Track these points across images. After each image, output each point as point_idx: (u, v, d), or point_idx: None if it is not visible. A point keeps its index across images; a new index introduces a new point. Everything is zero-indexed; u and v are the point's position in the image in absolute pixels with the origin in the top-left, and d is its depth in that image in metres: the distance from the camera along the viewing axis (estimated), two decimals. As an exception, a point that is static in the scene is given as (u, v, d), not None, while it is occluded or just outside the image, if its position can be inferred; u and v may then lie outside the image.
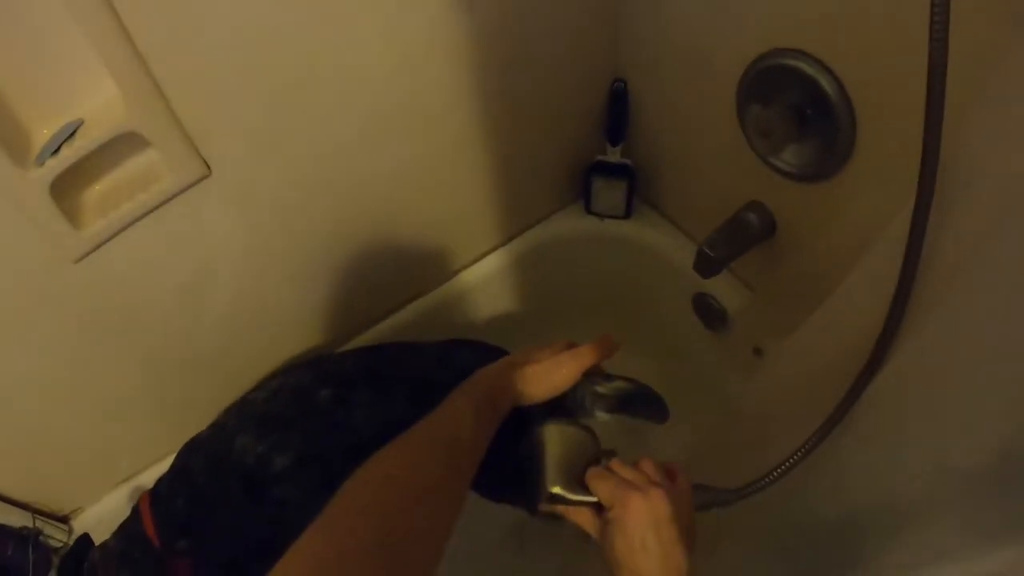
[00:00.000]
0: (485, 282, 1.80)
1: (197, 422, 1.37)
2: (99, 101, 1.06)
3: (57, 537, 1.60)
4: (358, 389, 1.30)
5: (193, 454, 1.33)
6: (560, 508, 0.89)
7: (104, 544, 1.30)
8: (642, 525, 0.79)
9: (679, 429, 1.84)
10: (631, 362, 1.96)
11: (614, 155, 1.68)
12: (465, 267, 1.79)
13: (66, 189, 1.10)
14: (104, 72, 1.02)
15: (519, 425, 1.05)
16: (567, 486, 0.87)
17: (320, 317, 1.61)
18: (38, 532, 1.55)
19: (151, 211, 1.19)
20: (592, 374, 1.06)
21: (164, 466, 1.36)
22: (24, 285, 1.18)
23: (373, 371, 1.36)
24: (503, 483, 1.22)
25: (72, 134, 1.06)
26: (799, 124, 1.17)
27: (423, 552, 0.73)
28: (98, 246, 1.18)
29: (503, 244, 1.81)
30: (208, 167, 1.18)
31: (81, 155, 1.06)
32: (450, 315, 1.80)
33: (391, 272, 1.64)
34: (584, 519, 0.88)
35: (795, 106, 1.17)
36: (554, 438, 0.92)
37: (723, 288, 1.61)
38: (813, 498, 1.00)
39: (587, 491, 0.86)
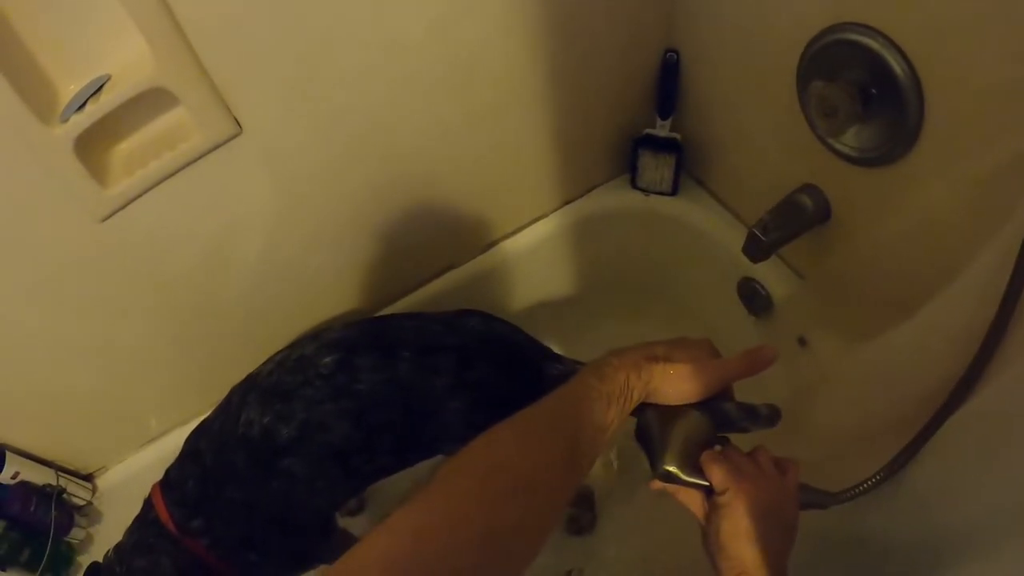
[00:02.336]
0: (523, 255, 1.76)
1: (225, 384, 1.34)
2: (127, 56, 1.03)
3: (80, 495, 1.61)
4: (362, 354, 1.28)
5: (201, 437, 1.32)
6: (671, 488, 0.88)
7: (118, 544, 1.30)
8: (751, 513, 0.79)
9: None
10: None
11: (663, 129, 1.62)
12: (503, 238, 1.75)
13: (92, 147, 1.07)
14: (132, 27, 0.98)
15: None
16: (682, 466, 0.85)
17: (351, 283, 1.58)
18: (61, 490, 1.55)
19: (179, 170, 1.16)
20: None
21: (191, 428, 1.36)
22: (49, 244, 1.17)
23: (378, 336, 1.33)
24: None
25: (98, 90, 1.03)
26: (863, 104, 1.10)
27: (526, 544, 0.69)
28: (124, 205, 1.16)
29: (543, 216, 1.76)
30: (239, 125, 1.15)
31: (107, 111, 1.03)
32: (486, 287, 1.76)
33: (425, 240, 1.60)
34: (692, 501, 0.87)
35: (859, 85, 1.10)
36: (673, 418, 0.88)
37: (770, 273, 1.55)
38: (889, 514, 0.98)
39: (700, 474, 0.85)
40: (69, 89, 1.03)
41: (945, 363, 0.86)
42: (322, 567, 1.47)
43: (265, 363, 1.34)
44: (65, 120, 1.02)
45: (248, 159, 1.21)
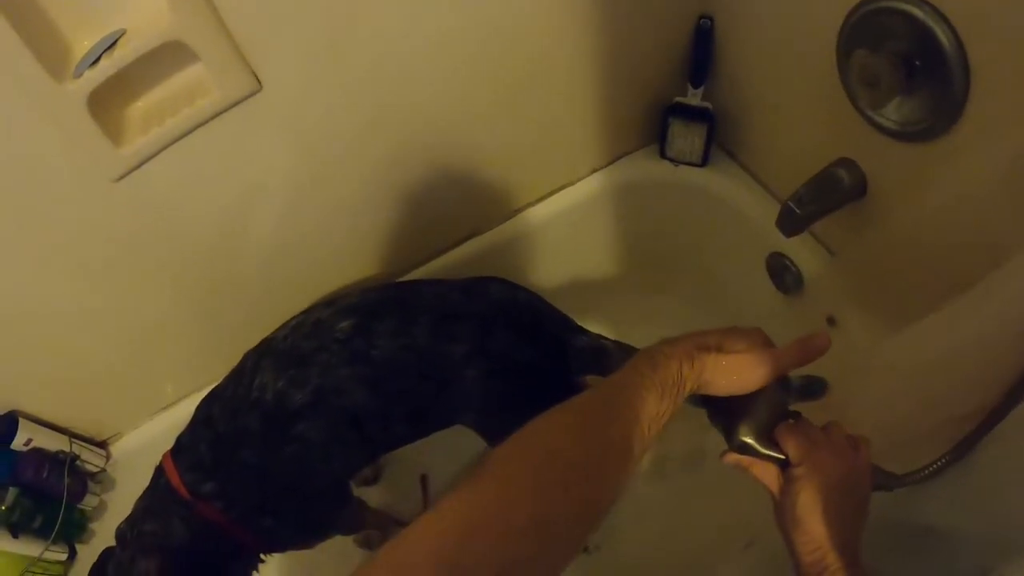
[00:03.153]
0: (548, 223, 1.73)
1: (242, 350, 1.33)
2: (143, 10, 1.01)
3: (94, 462, 1.61)
4: (380, 319, 1.26)
5: (213, 403, 1.30)
6: (745, 459, 0.87)
7: (129, 514, 1.29)
8: (829, 486, 0.80)
9: None
10: (695, 320, 1.90)
11: (694, 98, 1.59)
12: (528, 206, 1.72)
13: (106, 104, 1.06)
14: (148, -22, 0.96)
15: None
16: (758, 438, 0.85)
17: (371, 248, 1.56)
18: (75, 456, 1.55)
19: (196, 127, 1.14)
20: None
21: (204, 394, 1.34)
22: (62, 205, 1.16)
23: (396, 302, 1.31)
24: None
25: (113, 44, 1.01)
26: (906, 76, 1.06)
27: (577, 532, 0.68)
28: (139, 164, 1.14)
29: (570, 184, 1.73)
30: (259, 81, 1.13)
31: (121, 66, 1.01)
32: (509, 255, 1.74)
33: (448, 206, 1.58)
34: (766, 474, 0.86)
35: (903, 56, 1.06)
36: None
37: (801, 249, 1.51)
38: (955, 501, 0.97)
39: (775, 446, 0.85)
40: (83, 44, 1.01)
41: (1010, 349, 0.84)
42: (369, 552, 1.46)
43: (280, 328, 1.32)
44: (78, 76, 0.99)
45: (268, 118, 1.19)
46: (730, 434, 0.86)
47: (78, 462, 1.58)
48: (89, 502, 1.61)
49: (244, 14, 1.05)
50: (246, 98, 1.13)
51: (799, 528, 0.80)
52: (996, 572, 0.79)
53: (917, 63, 1.05)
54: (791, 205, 1.29)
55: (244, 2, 1.04)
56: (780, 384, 0.87)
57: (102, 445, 1.68)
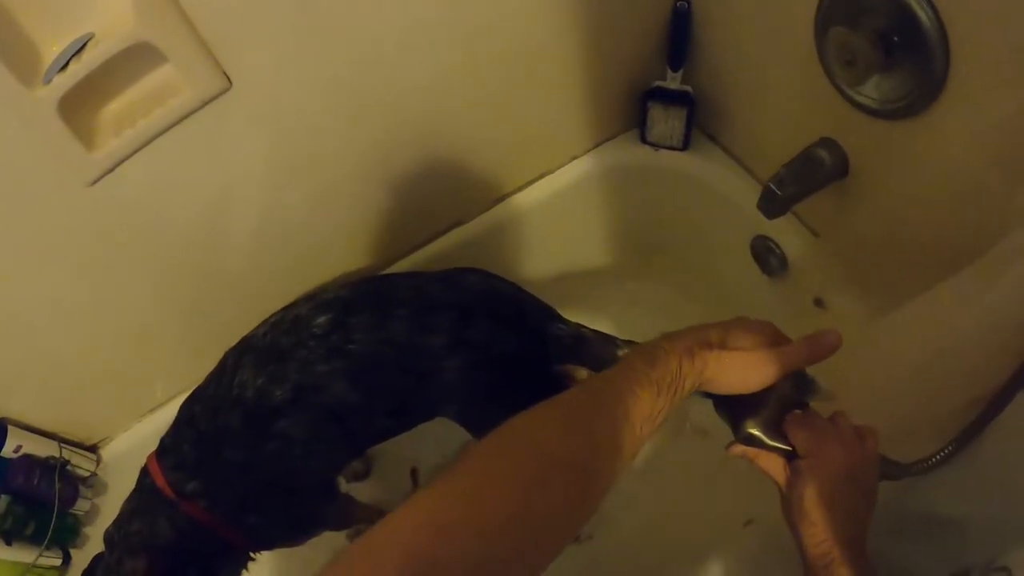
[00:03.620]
0: (530, 211, 1.72)
1: (229, 347, 1.33)
2: (110, 13, 1.00)
3: (84, 467, 1.61)
4: (356, 313, 1.26)
5: (195, 403, 1.30)
6: (751, 451, 0.87)
7: (116, 516, 1.28)
8: (836, 477, 0.79)
9: None
10: (680, 306, 1.90)
11: (674, 81, 1.58)
12: (510, 194, 1.71)
13: (78, 108, 1.06)
14: (114, -20, 0.96)
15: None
16: (765, 430, 0.85)
17: (355, 241, 1.56)
18: (65, 462, 1.55)
19: (169, 128, 1.14)
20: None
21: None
22: (38, 210, 1.15)
23: (373, 296, 1.31)
24: None
25: (81, 48, 1.01)
26: (885, 53, 1.06)
27: (559, 531, 0.65)
28: (113, 167, 1.14)
29: (551, 172, 1.72)
30: (228, 79, 1.12)
31: (90, 69, 1.01)
32: (493, 244, 1.73)
33: (430, 196, 1.57)
34: (773, 465, 0.86)
35: (881, 32, 1.05)
36: None
37: (785, 231, 1.51)
38: (962, 488, 0.97)
39: (782, 438, 0.84)
40: (52, 50, 1.01)
41: (1015, 334, 0.85)
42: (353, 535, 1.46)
43: (260, 325, 1.32)
44: (48, 81, 0.99)
45: (241, 115, 1.18)
46: (736, 426, 0.86)
47: (69, 467, 1.58)
48: (81, 506, 1.61)
49: (211, 13, 1.04)
50: (217, 96, 1.13)
51: (806, 520, 0.79)
52: (1004, 558, 0.80)
53: (895, 39, 1.04)
54: (772, 187, 1.28)
55: (211, 1, 1.03)
56: (794, 379, 0.86)
57: (92, 449, 1.67)
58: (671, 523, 1.70)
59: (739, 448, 0.86)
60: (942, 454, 0.90)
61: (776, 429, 0.84)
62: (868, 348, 1.15)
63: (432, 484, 0.62)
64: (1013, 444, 0.88)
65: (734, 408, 0.86)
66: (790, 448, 0.83)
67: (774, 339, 0.84)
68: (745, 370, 0.81)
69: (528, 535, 0.62)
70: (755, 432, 0.84)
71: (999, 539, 0.85)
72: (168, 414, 1.51)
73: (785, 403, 0.86)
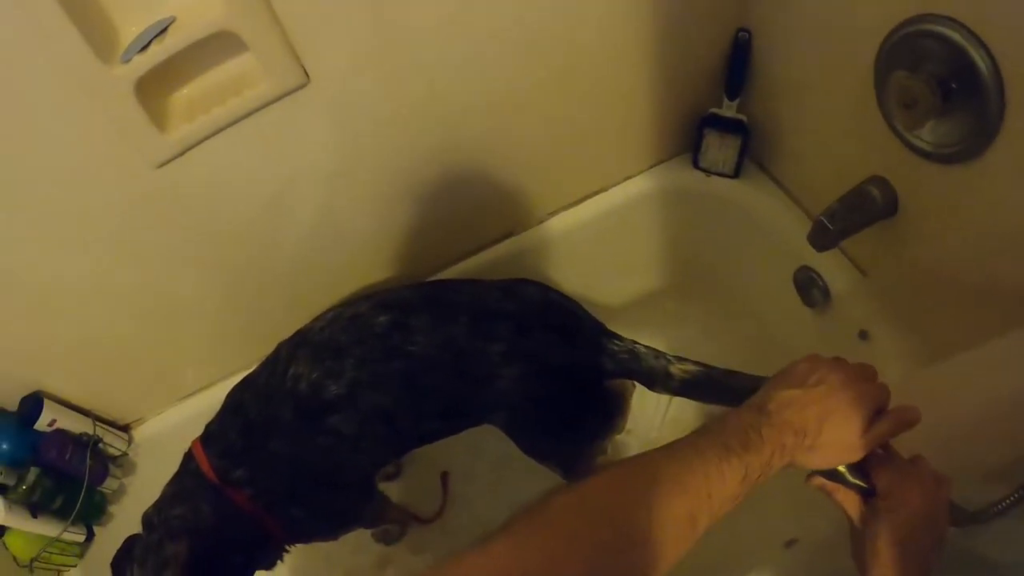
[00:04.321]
0: (579, 229, 1.74)
1: (266, 342, 1.34)
2: None
3: (116, 446, 1.62)
4: (417, 314, 1.27)
5: (245, 390, 1.31)
6: (829, 485, 0.85)
7: (156, 500, 1.29)
8: (912, 521, 0.79)
9: None
10: (721, 329, 1.90)
11: (730, 109, 1.59)
12: (562, 209, 1.73)
13: (153, 90, 1.07)
14: (200, -32, 0.97)
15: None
16: (849, 466, 0.83)
17: (405, 245, 1.57)
18: (98, 439, 1.57)
19: (242, 118, 1.15)
20: None
21: (229, 384, 1.35)
22: (102, 187, 1.17)
23: (435, 299, 1.32)
24: (551, 440, 1.15)
25: (163, 31, 1.02)
26: (943, 98, 1.07)
27: None
28: (183, 152, 1.15)
29: (602, 190, 1.74)
30: (307, 74, 1.14)
31: (171, 53, 1.02)
32: (537, 260, 1.74)
33: (483, 206, 1.59)
34: (849, 501, 0.84)
35: (940, 78, 1.06)
36: None
37: (829, 264, 1.51)
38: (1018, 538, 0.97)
39: (864, 475, 0.83)
40: (130, 30, 1.02)
41: None
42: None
43: (316, 319, 1.33)
44: (127, 61, 1.00)
45: (313, 111, 1.20)
46: None
47: (101, 445, 1.59)
48: (110, 485, 1.62)
49: (296, 8, 1.06)
50: (294, 91, 1.14)
51: (877, 560, 0.78)
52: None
53: (953, 86, 1.05)
54: (824, 220, 1.29)
55: (297, -3, 1.04)
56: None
57: (125, 429, 1.69)
58: (708, 540, 1.65)
59: (819, 480, 0.85)
60: (1006, 503, 0.89)
61: (859, 466, 0.83)
62: (928, 391, 1.15)
63: (505, 531, 0.62)
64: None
65: None
66: (870, 486, 0.82)
67: (872, 409, 0.80)
68: (832, 459, 0.81)
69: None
70: (841, 469, 0.83)
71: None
72: (201, 402, 1.54)
73: None
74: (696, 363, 1.25)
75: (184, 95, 1.13)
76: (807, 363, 0.83)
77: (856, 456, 0.80)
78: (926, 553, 0.79)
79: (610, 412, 1.35)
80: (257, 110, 1.15)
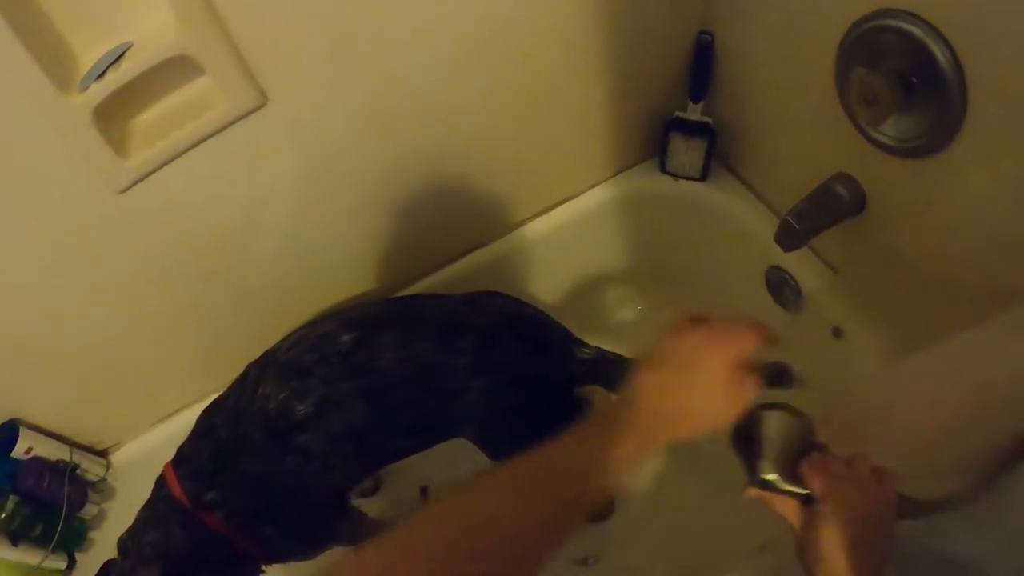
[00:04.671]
0: (548, 237, 1.73)
1: (242, 362, 1.34)
2: (150, 23, 1.01)
3: (94, 471, 1.61)
4: (382, 332, 1.27)
5: (215, 413, 1.31)
6: (767, 496, 0.85)
7: (131, 525, 1.29)
8: (854, 522, 0.77)
9: None
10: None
11: (694, 112, 1.59)
12: (529, 219, 1.73)
13: (112, 116, 1.06)
14: (156, -10, 0.96)
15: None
16: (781, 474, 0.83)
17: (375, 260, 1.57)
18: (76, 466, 1.55)
19: (202, 141, 1.14)
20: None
21: (205, 407, 1.34)
22: (66, 215, 1.16)
23: (399, 315, 1.33)
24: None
25: (119, 57, 1.01)
26: (904, 93, 1.07)
27: None
28: (144, 177, 1.14)
29: (571, 198, 1.73)
30: (265, 95, 1.13)
31: (127, 79, 1.01)
32: (511, 268, 1.74)
33: (450, 218, 1.58)
34: (790, 511, 0.84)
35: (900, 73, 1.07)
36: (771, 424, 0.86)
37: (799, 263, 1.52)
38: (981, 532, 0.96)
39: (798, 482, 0.82)
40: (89, 57, 1.01)
41: None
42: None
43: (283, 340, 1.33)
44: (84, 89, 1.00)
45: (273, 130, 1.19)
46: (751, 469, 0.85)
47: (78, 471, 1.58)
48: (89, 511, 1.61)
49: (252, 29, 1.05)
50: (252, 111, 1.14)
51: (822, 565, 0.78)
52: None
53: (914, 80, 1.05)
54: (790, 220, 1.29)
55: (251, 16, 1.04)
56: (771, 375, 0.86)
57: (102, 454, 1.68)
58: (681, 544, 1.69)
59: (753, 491, 0.85)
60: (963, 496, 0.89)
61: (792, 472, 0.82)
62: (895, 384, 1.15)
63: (381, 540, 0.65)
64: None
65: (749, 447, 0.85)
66: (807, 492, 0.81)
67: (733, 368, 0.79)
68: (705, 427, 0.80)
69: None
70: (770, 477, 0.83)
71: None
72: (179, 424, 1.53)
73: (799, 445, 0.85)
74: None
75: (144, 120, 1.12)
76: (668, 340, 0.84)
77: (727, 420, 0.81)
78: (872, 551, 0.78)
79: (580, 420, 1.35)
80: (216, 132, 1.14)
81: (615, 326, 1.88)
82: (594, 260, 1.87)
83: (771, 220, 1.50)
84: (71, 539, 1.59)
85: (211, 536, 1.25)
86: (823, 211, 1.30)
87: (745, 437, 0.86)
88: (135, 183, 1.14)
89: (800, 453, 0.84)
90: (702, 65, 1.51)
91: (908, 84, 1.06)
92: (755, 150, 1.59)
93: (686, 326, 0.85)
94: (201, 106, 1.11)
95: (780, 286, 1.58)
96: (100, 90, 1.00)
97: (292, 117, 1.19)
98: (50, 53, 0.97)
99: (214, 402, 1.32)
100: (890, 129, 1.14)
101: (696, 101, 1.57)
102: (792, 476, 0.82)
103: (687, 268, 1.88)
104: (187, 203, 1.24)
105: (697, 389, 0.79)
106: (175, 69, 1.05)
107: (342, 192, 1.38)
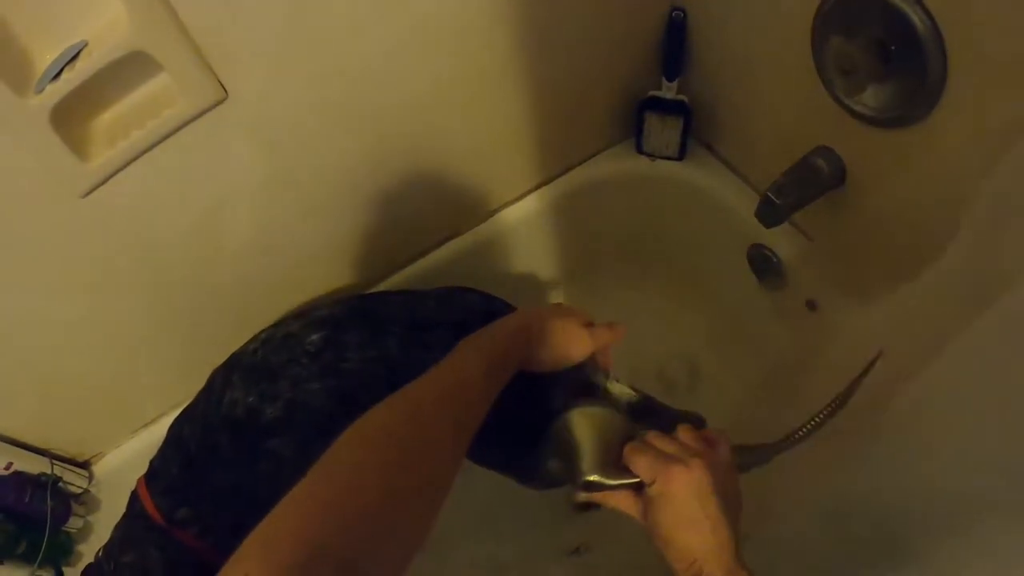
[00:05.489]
0: (525, 223, 1.71)
1: (219, 361, 1.31)
2: (105, 21, 0.99)
3: (77, 483, 1.58)
4: (350, 331, 1.25)
5: (184, 422, 1.27)
6: (598, 496, 0.85)
7: (107, 541, 1.25)
8: (687, 497, 0.78)
9: (728, 386, 1.77)
10: (678, 314, 1.89)
11: (669, 91, 1.57)
12: (504, 206, 1.70)
13: (71, 118, 1.04)
14: (108, -13, 0.94)
15: (524, 392, 1.00)
16: (603, 471, 0.83)
17: (346, 255, 1.54)
18: (57, 478, 1.52)
19: (163, 139, 1.12)
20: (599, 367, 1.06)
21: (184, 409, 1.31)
22: (30, 222, 1.13)
23: (366, 313, 1.30)
24: (500, 450, 1.18)
25: (75, 57, 0.99)
26: (882, 62, 1.06)
27: (424, 508, 0.72)
28: (106, 179, 1.12)
29: (546, 183, 1.71)
30: (224, 90, 1.11)
31: (83, 79, 0.99)
32: (486, 258, 1.72)
33: (423, 209, 1.56)
34: (625, 503, 0.85)
35: (878, 41, 1.05)
36: (582, 423, 0.88)
37: (782, 239, 1.50)
38: (852, 493, 0.99)
39: (624, 473, 0.83)
40: (44, 58, 0.99)
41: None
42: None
43: (249, 342, 1.30)
44: (40, 91, 0.97)
45: (235, 126, 1.17)
46: (573, 475, 0.85)
47: (60, 484, 1.55)
48: (74, 524, 1.58)
49: (207, 22, 1.03)
50: (212, 107, 1.11)
51: (670, 547, 0.78)
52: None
53: (893, 49, 1.04)
54: (770, 195, 1.27)
55: (206, 9, 1.01)
56: (598, 406, 0.90)
57: (84, 465, 1.65)
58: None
59: (584, 496, 0.86)
60: (807, 428, 0.89)
61: (616, 465, 0.83)
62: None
63: (311, 474, 0.72)
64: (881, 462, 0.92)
65: (566, 460, 0.86)
66: (636, 479, 0.81)
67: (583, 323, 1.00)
68: (565, 346, 0.97)
69: (398, 511, 0.69)
70: (594, 479, 0.83)
71: (900, 517, 0.89)
72: (160, 430, 1.50)
73: (619, 436, 0.86)
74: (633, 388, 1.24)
75: (104, 120, 1.10)
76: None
77: (588, 346, 0.98)
78: (716, 518, 0.77)
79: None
80: (178, 130, 1.12)
81: (596, 309, 1.85)
82: (573, 243, 1.85)
83: (751, 196, 1.49)
84: (57, 553, 1.56)
85: (187, 555, 1.21)
86: (804, 186, 1.28)
87: (560, 445, 0.87)
88: (98, 185, 1.12)
89: (620, 445, 0.84)
90: (675, 42, 1.49)
91: (886, 52, 1.05)
92: (733, 126, 1.58)
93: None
94: (161, 104, 1.09)
95: (763, 263, 1.56)
96: (56, 91, 0.98)
97: (253, 112, 1.17)
98: (4, 56, 0.94)
99: (184, 410, 1.30)
100: (869, 99, 1.13)
101: (671, 79, 1.55)
102: (617, 469, 0.83)
103: (668, 248, 1.86)
104: (153, 204, 1.22)
105: (555, 320, 0.99)
106: (133, 67, 1.03)
107: (308, 188, 1.35)
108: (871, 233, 1.29)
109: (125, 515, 1.26)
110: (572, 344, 0.97)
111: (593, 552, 1.71)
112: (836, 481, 1.01)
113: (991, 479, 0.77)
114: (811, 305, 1.47)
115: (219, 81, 1.09)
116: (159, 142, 1.11)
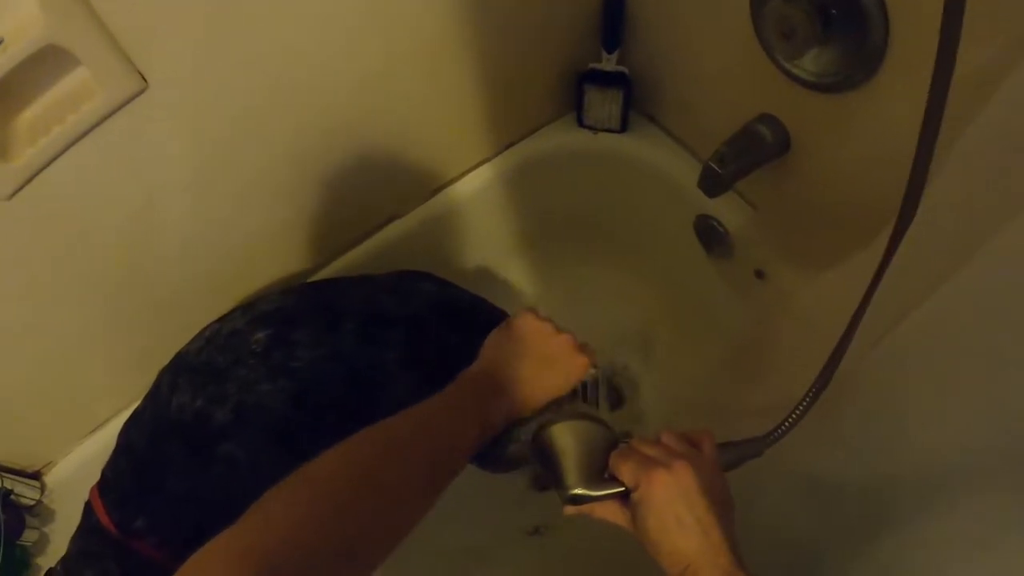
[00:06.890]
0: (469, 200, 1.69)
1: (167, 358, 1.28)
2: (17, 15, 0.95)
3: (28, 495, 1.54)
4: (299, 327, 1.21)
5: (133, 428, 1.23)
6: (586, 508, 0.84)
7: (64, 555, 1.21)
8: (672, 500, 0.77)
9: (682, 359, 1.77)
10: (630, 288, 1.88)
11: (609, 63, 1.55)
12: (447, 184, 1.68)
13: None
14: (18, -19, 0.91)
15: None
16: (588, 483, 0.83)
17: (288, 241, 1.51)
18: (7, 491, 1.49)
19: (85, 134, 1.08)
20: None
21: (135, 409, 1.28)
22: None
23: (316, 306, 1.27)
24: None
25: None
26: (823, 25, 1.04)
27: (374, 554, 0.73)
28: (31, 178, 1.08)
29: (488, 159, 1.69)
30: (144, 79, 1.07)
31: None
32: (432, 237, 1.70)
33: (363, 190, 1.53)
34: (613, 513, 0.84)
35: (818, 3, 1.04)
36: (564, 436, 0.87)
37: (727, 209, 1.49)
38: (829, 468, 1.00)
39: (609, 483, 0.83)
40: None
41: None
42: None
43: (194, 340, 1.26)
44: None
45: (159, 116, 1.13)
46: (559, 489, 0.85)
47: (12, 496, 1.51)
48: (29, 536, 1.54)
49: (122, 9, 0.99)
50: (133, 98, 1.08)
51: (661, 552, 0.77)
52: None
53: (833, 11, 1.03)
54: (712, 165, 1.27)
55: (121, -3, 0.98)
56: (581, 418, 0.89)
57: (35, 476, 1.60)
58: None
59: (571, 509, 0.85)
60: (793, 417, 0.89)
61: (601, 476, 0.83)
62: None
63: (278, 493, 0.76)
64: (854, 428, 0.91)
65: (551, 470, 0.86)
66: (621, 488, 0.81)
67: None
68: (551, 392, 0.96)
69: (363, 550, 0.72)
70: (579, 492, 0.83)
71: (873, 494, 0.89)
72: (111, 432, 1.46)
73: (602, 447, 0.86)
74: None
75: (25, 118, 1.06)
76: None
77: (566, 388, 0.97)
78: (706, 518, 0.76)
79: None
80: (99, 123, 1.08)
81: (548, 288, 1.85)
82: (518, 221, 1.84)
83: (695, 167, 1.47)
84: (14, 569, 1.52)
85: (147, 567, 1.18)
86: (746, 154, 1.27)
87: (544, 459, 0.87)
88: (23, 185, 1.08)
89: (605, 454, 0.85)
90: (613, 13, 1.47)
91: (827, 15, 1.03)
92: (674, 96, 1.56)
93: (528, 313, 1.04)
94: (80, 98, 1.05)
95: (709, 233, 1.55)
96: (-28, 92, 0.94)
97: (176, 101, 1.13)
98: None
99: (132, 414, 1.25)
100: (810, 64, 1.11)
101: (610, 51, 1.53)
102: (602, 480, 0.83)
103: (615, 222, 1.85)
104: (82, 201, 1.18)
105: (528, 358, 0.98)
106: (50, 61, 1.00)
107: (242, 174, 1.31)
108: (817, 200, 1.28)
109: (80, 527, 1.22)
110: (573, 372, 0.98)
111: (552, 532, 1.70)
112: (813, 455, 1.00)
113: (969, 442, 0.77)
114: (759, 274, 1.47)
115: (138, 71, 1.06)
116: (80, 137, 1.08)
